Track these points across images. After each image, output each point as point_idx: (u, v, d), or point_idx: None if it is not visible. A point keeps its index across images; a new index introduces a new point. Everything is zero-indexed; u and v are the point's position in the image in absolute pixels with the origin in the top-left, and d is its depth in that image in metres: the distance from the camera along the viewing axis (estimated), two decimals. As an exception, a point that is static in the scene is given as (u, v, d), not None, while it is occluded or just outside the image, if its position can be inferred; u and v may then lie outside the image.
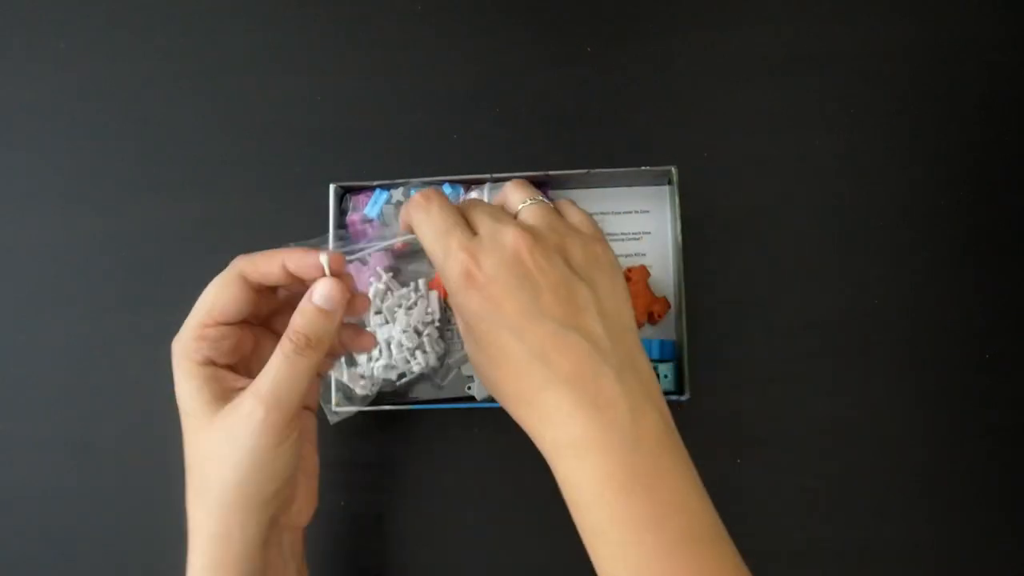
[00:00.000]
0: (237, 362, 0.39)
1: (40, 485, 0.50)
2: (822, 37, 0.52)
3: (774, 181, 0.51)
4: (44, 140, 0.53)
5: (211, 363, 0.37)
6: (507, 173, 0.47)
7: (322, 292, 0.36)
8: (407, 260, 0.49)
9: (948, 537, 0.48)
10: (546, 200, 0.39)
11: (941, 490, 0.48)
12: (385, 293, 0.47)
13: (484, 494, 0.49)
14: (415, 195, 0.38)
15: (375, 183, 0.48)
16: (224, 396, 0.37)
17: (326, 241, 0.48)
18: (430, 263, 0.47)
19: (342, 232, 0.48)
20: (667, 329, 0.49)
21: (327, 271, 0.37)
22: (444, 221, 0.37)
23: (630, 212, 0.50)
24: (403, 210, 0.39)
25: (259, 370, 0.37)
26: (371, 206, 0.48)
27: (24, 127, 0.53)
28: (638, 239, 0.50)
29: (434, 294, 0.48)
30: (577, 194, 0.50)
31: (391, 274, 0.48)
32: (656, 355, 0.47)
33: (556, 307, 0.35)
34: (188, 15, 0.54)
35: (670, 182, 0.48)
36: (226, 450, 0.36)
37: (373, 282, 0.47)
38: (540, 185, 0.49)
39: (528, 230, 0.36)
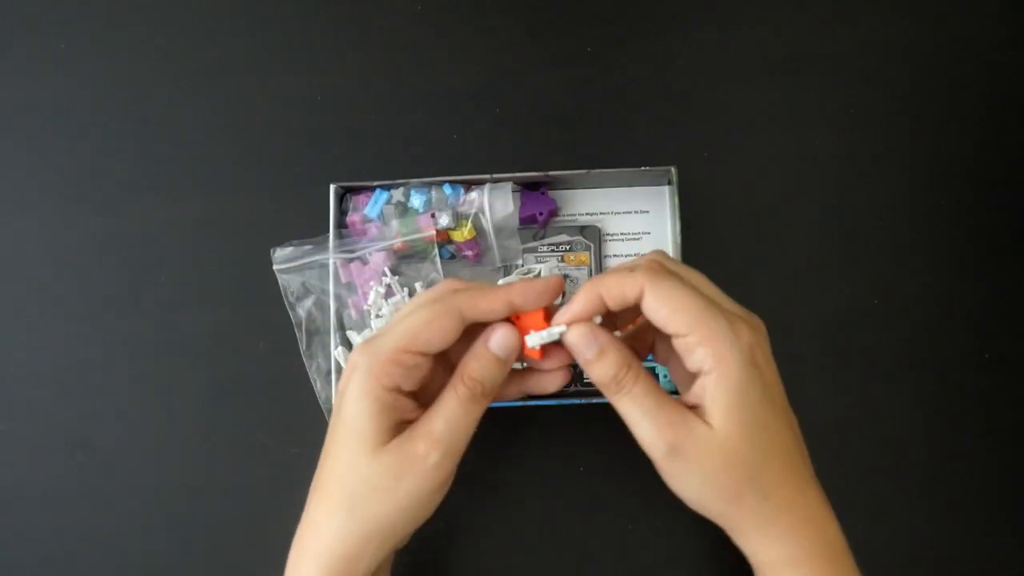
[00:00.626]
0: (418, 390, 0.37)
1: (40, 485, 0.50)
2: (822, 37, 0.52)
3: (774, 181, 0.51)
4: (44, 140, 0.53)
5: (397, 390, 0.35)
6: (507, 173, 0.47)
7: (500, 341, 0.35)
8: (408, 260, 0.49)
9: (948, 537, 0.48)
10: None
11: (941, 490, 0.48)
12: (386, 295, 0.47)
13: (483, 494, 0.49)
14: (648, 261, 0.36)
15: (375, 183, 0.48)
16: (398, 427, 0.35)
17: (327, 240, 0.48)
18: (431, 264, 0.47)
19: (345, 232, 0.48)
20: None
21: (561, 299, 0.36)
22: (704, 296, 0.35)
23: (630, 212, 0.50)
24: (624, 277, 0.35)
25: (431, 397, 0.36)
26: (371, 206, 0.48)
27: (24, 127, 0.53)
28: (638, 239, 0.50)
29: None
30: (577, 194, 0.50)
31: (396, 276, 0.48)
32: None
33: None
34: (188, 15, 0.54)
35: (670, 182, 0.48)
36: (391, 485, 0.34)
37: (374, 285, 0.47)
38: (540, 185, 0.49)
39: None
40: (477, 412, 0.35)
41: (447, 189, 0.47)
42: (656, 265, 0.36)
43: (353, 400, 0.34)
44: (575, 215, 0.50)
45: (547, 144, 0.52)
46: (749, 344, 0.33)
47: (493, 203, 0.47)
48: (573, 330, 0.36)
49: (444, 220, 0.46)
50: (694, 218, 0.49)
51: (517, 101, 0.52)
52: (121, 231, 0.52)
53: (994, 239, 0.50)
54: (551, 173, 0.47)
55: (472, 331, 0.36)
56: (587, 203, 0.50)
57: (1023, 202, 0.51)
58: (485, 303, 0.35)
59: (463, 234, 0.47)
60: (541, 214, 0.49)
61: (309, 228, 0.50)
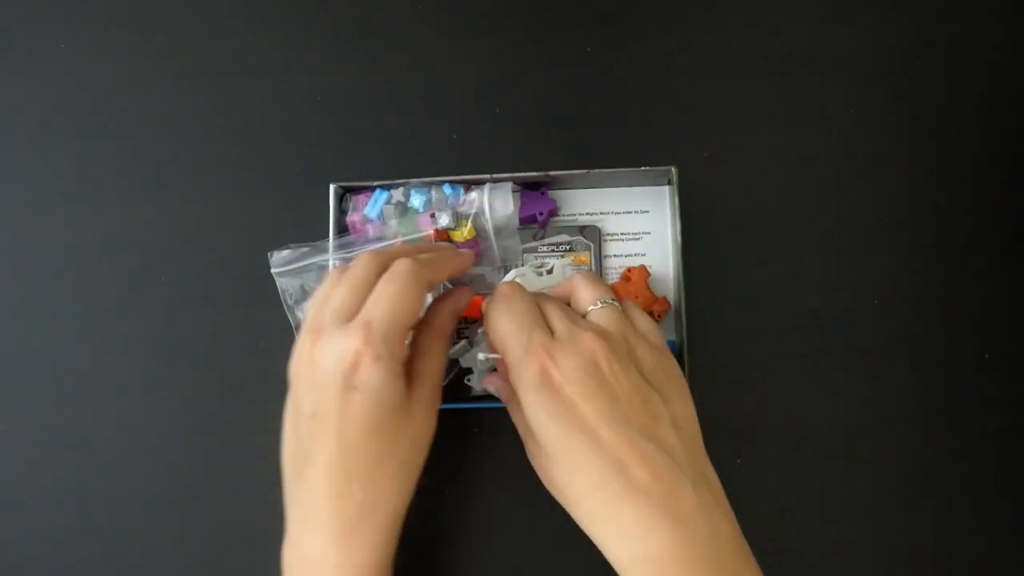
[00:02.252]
0: None
1: (40, 485, 0.50)
2: (822, 37, 0.52)
3: (774, 181, 0.51)
4: (44, 140, 0.53)
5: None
6: (507, 173, 0.47)
7: (464, 297, 0.43)
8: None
9: (948, 537, 0.48)
10: (616, 303, 0.40)
11: (941, 490, 0.48)
12: None
13: (482, 494, 0.49)
14: (502, 287, 0.40)
15: (375, 183, 0.48)
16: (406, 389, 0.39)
17: (324, 243, 0.48)
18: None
19: (344, 233, 0.48)
20: (667, 329, 0.49)
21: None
22: (525, 318, 0.37)
23: (630, 212, 0.50)
24: (487, 301, 0.40)
25: None
26: (371, 206, 0.48)
27: (24, 127, 0.53)
28: (638, 239, 0.50)
29: (428, 295, 0.48)
30: (577, 194, 0.50)
31: None
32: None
33: (633, 415, 0.35)
34: (188, 15, 0.54)
35: (670, 182, 0.48)
36: (426, 432, 0.39)
37: None
38: (540, 185, 0.49)
39: (602, 335, 0.37)
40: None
41: (447, 189, 0.47)
42: (503, 288, 0.40)
43: (386, 386, 0.36)
44: (575, 215, 0.50)
45: (547, 144, 0.52)
46: (538, 368, 0.36)
47: (493, 203, 0.47)
48: (490, 381, 0.44)
49: (444, 220, 0.46)
50: (694, 218, 0.49)
51: (517, 101, 0.52)
52: (121, 231, 0.52)
53: (994, 239, 0.50)
54: (551, 173, 0.47)
55: None
56: (587, 203, 0.50)
57: (1023, 202, 0.51)
58: (441, 276, 0.41)
59: (463, 234, 0.47)
60: (541, 214, 0.49)
61: (309, 228, 0.50)
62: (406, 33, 0.53)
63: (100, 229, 0.52)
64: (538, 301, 0.39)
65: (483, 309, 0.40)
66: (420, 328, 0.41)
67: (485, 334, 0.41)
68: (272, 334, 0.50)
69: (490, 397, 0.47)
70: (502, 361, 0.39)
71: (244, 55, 0.53)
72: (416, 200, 0.47)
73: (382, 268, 0.38)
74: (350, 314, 0.37)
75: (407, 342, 0.40)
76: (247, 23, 0.54)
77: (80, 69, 0.54)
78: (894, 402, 0.49)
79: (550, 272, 0.47)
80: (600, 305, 0.39)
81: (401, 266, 0.38)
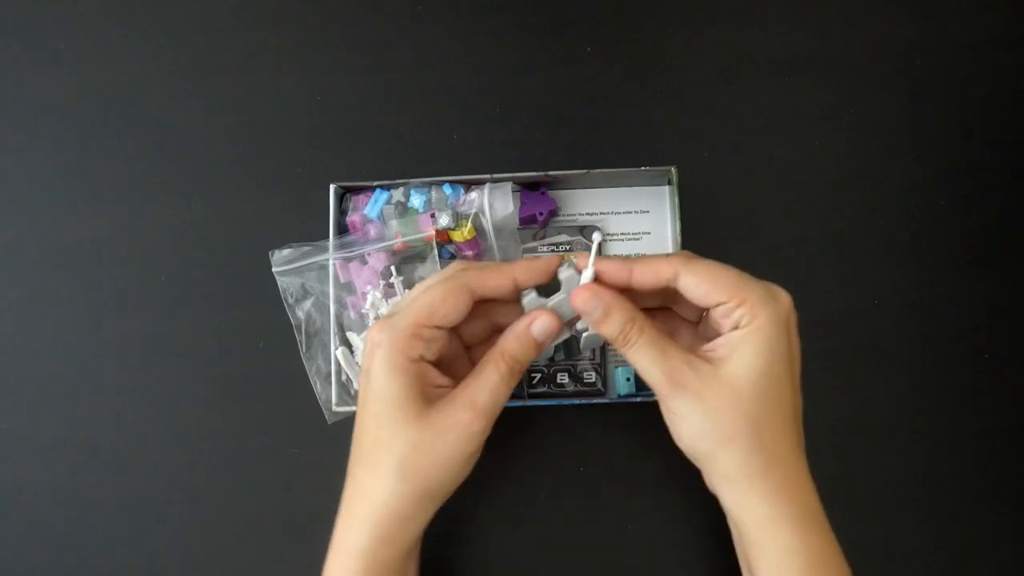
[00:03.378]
0: (438, 361, 0.40)
1: (40, 485, 0.50)
2: (822, 37, 0.52)
3: (774, 181, 0.51)
4: (44, 140, 0.53)
5: (421, 359, 0.38)
6: (507, 173, 0.47)
7: (543, 327, 0.39)
8: (407, 261, 0.49)
9: (948, 537, 0.48)
10: None
11: (941, 490, 0.48)
12: (385, 295, 0.47)
13: (484, 492, 0.49)
14: (682, 251, 0.40)
15: (375, 183, 0.48)
16: (428, 394, 0.38)
17: (325, 242, 0.48)
18: (432, 264, 0.47)
19: (344, 234, 0.48)
20: (667, 329, 0.49)
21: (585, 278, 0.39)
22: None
23: (630, 212, 0.50)
24: (658, 260, 0.38)
25: (455, 369, 0.40)
26: (371, 206, 0.48)
27: (24, 127, 0.53)
28: (638, 239, 0.50)
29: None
30: (577, 194, 0.50)
31: (400, 276, 0.47)
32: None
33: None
34: (188, 15, 0.54)
35: (670, 182, 0.48)
36: (439, 448, 0.37)
37: (371, 288, 0.47)
38: (540, 185, 0.49)
39: None
40: (512, 385, 0.39)
41: (447, 189, 0.47)
42: (689, 253, 0.38)
43: (382, 373, 0.37)
44: (575, 215, 0.50)
45: (547, 144, 0.52)
46: (787, 309, 0.36)
47: (493, 203, 0.47)
48: (579, 292, 0.38)
49: (444, 220, 0.46)
50: (694, 218, 0.49)
51: (517, 101, 0.52)
52: (121, 231, 0.52)
53: (994, 239, 0.50)
54: (551, 173, 0.47)
55: (478, 308, 0.40)
56: (587, 203, 0.50)
57: (1023, 202, 0.51)
58: (493, 280, 0.39)
59: (463, 234, 0.47)
60: (541, 214, 0.49)
61: (309, 228, 0.50)
62: (406, 33, 0.53)
63: (100, 229, 0.52)
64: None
65: (666, 273, 0.38)
66: (490, 349, 0.40)
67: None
68: (272, 334, 0.50)
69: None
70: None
71: (244, 55, 0.53)
72: (416, 200, 0.47)
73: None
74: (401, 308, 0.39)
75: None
76: (247, 23, 0.54)
77: (80, 69, 0.54)
78: (894, 402, 0.49)
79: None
80: None
81: (454, 271, 0.39)
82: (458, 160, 0.52)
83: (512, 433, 0.49)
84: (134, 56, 0.54)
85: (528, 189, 0.49)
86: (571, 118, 0.52)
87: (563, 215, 0.50)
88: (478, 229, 0.47)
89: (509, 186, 0.47)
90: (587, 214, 0.50)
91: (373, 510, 0.38)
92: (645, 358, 0.37)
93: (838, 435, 0.49)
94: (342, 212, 0.48)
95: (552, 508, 0.49)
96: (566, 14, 0.53)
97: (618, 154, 0.51)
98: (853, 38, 0.52)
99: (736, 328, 0.36)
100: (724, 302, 0.36)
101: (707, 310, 0.38)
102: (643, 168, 0.47)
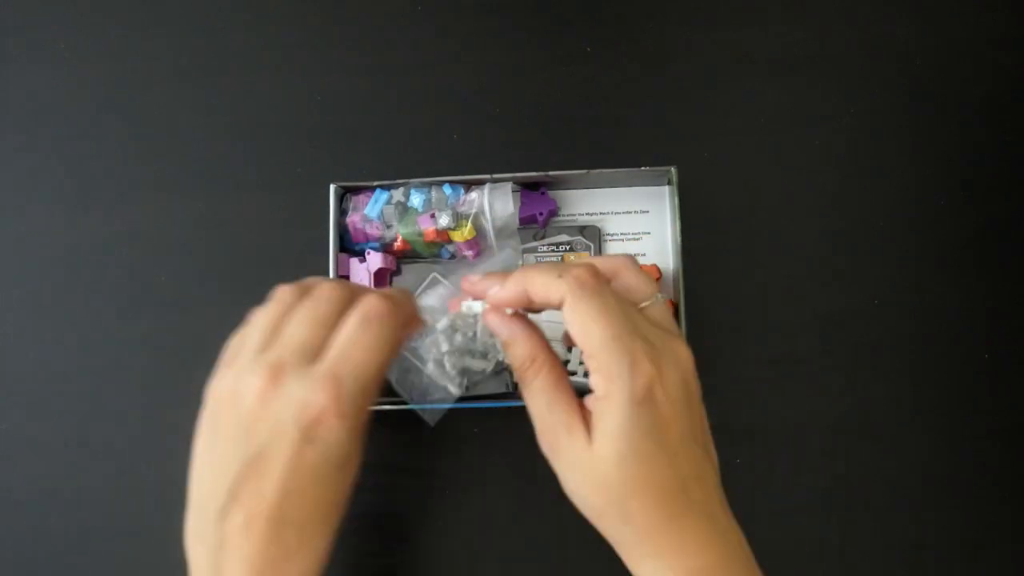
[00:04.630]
0: None
1: (40, 485, 0.50)
2: (822, 37, 0.52)
3: (774, 181, 0.51)
4: (44, 140, 0.53)
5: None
6: (507, 173, 0.47)
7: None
8: (406, 260, 0.49)
9: (948, 537, 0.48)
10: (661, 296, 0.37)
11: (941, 490, 0.48)
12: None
13: (483, 492, 0.49)
14: (578, 270, 0.34)
15: (375, 183, 0.48)
16: None
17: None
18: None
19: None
20: (667, 329, 0.49)
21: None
22: (624, 322, 0.34)
23: (630, 212, 0.50)
24: (551, 280, 0.34)
25: None
26: (371, 206, 0.48)
27: (24, 127, 0.53)
28: (638, 239, 0.50)
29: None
30: (577, 194, 0.50)
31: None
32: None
33: (701, 433, 0.35)
34: (188, 15, 0.54)
35: (670, 182, 0.48)
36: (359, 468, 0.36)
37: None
38: (540, 185, 0.49)
39: (684, 343, 0.35)
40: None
41: (447, 189, 0.47)
42: (585, 277, 0.34)
43: (345, 443, 0.34)
44: (575, 215, 0.50)
45: (547, 144, 0.52)
46: (645, 383, 0.33)
47: (493, 203, 0.47)
48: (488, 314, 0.37)
49: (444, 220, 0.46)
50: (694, 218, 0.49)
51: (517, 101, 0.52)
52: (121, 231, 0.52)
53: (994, 239, 0.50)
54: (551, 173, 0.47)
55: None
56: (587, 203, 0.50)
57: (1023, 202, 0.51)
58: (416, 325, 0.37)
59: (463, 234, 0.47)
60: (541, 214, 0.49)
61: (309, 228, 0.50)
62: (406, 33, 0.53)
63: (100, 229, 0.52)
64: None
65: (556, 299, 0.34)
66: None
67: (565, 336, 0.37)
68: (272, 334, 0.50)
69: (486, 397, 0.47)
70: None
71: (244, 55, 0.53)
72: (416, 200, 0.47)
73: (347, 303, 0.35)
74: (314, 353, 0.34)
75: None
76: (246, 23, 0.54)
77: (80, 69, 0.54)
78: (894, 402, 0.49)
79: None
80: (655, 301, 0.36)
81: (376, 308, 0.34)
82: (458, 160, 0.52)
83: (512, 432, 0.49)
84: (134, 56, 0.54)
85: (528, 189, 0.49)
86: (571, 118, 0.52)
87: (563, 215, 0.50)
88: (478, 229, 0.47)
89: (509, 186, 0.47)
90: (587, 214, 0.50)
91: (313, 562, 0.35)
92: (532, 406, 0.36)
93: (838, 435, 0.49)
94: (342, 212, 0.48)
95: (551, 508, 0.49)
96: (566, 14, 0.53)
97: (618, 154, 0.51)
98: (853, 38, 0.52)
99: (594, 393, 0.34)
100: (587, 356, 0.34)
101: None
102: (643, 168, 0.47)
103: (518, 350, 0.36)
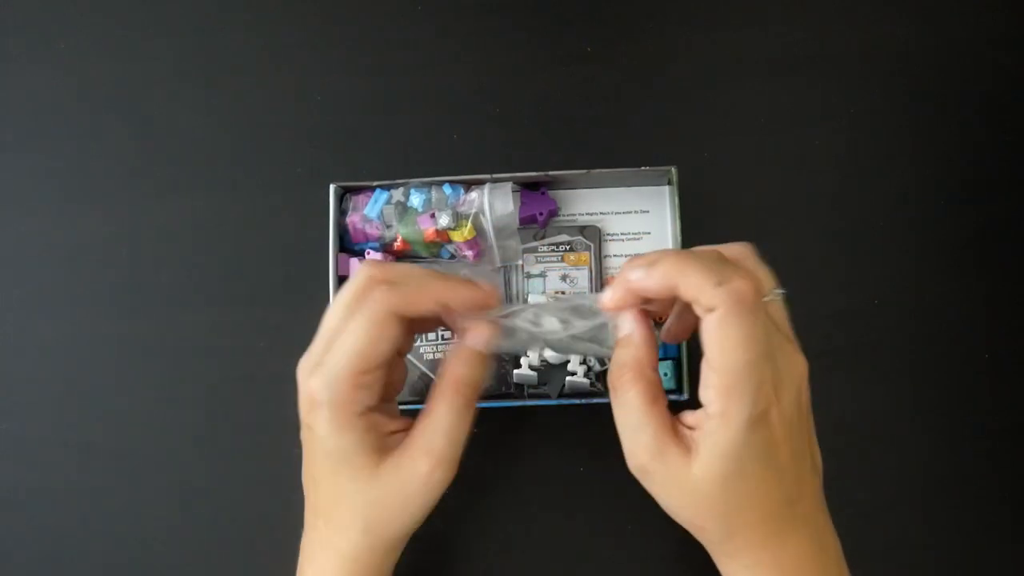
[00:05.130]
0: (384, 395, 0.37)
1: (40, 485, 0.50)
2: (822, 37, 0.52)
3: (774, 181, 0.51)
4: (44, 140, 0.53)
5: (367, 411, 0.35)
6: (507, 173, 0.47)
7: (479, 336, 0.35)
8: (406, 260, 0.49)
9: (948, 537, 0.48)
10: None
11: (941, 490, 0.48)
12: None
13: (484, 493, 0.49)
14: (740, 283, 0.31)
15: (375, 183, 0.48)
16: (383, 444, 0.35)
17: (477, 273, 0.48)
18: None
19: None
20: (667, 329, 0.49)
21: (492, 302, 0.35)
22: (768, 344, 0.32)
23: (630, 212, 0.50)
24: (708, 286, 0.31)
25: (391, 387, 0.37)
26: (371, 206, 0.48)
27: (24, 127, 0.53)
28: (638, 239, 0.50)
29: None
30: (577, 194, 0.50)
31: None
32: (659, 353, 0.47)
33: (809, 444, 0.34)
34: (188, 15, 0.54)
35: (670, 182, 0.48)
36: (401, 503, 0.35)
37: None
38: (540, 185, 0.49)
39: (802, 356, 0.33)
40: (470, 416, 0.35)
41: (447, 189, 0.47)
42: (745, 292, 0.31)
43: (330, 435, 0.34)
44: (575, 215, 0.50)
45: (547, 144, 0.52)
46: (764, 408, 0.32)
47: (493, 203, 0.47)
48: (617, 304, 0.35)
49: (444, 220, 0.46)
50: (694, 218, 0.49)
51: (517, 101, 0.52)
52: (121, 231, 0.52)
53: (994, 239, 0.50)
54: (551, 173, 0.47)
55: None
56: (587, 203, 0.50)
57: (1023, 202, 0.51)
58: (418, 301, 0.34)
59: (463, 234, 0.47)
60: (541, 214, 0.49)
61: (309, 228, 0.50)
62: (406, 33, 0.53)
63: (100, 229, 0.52)
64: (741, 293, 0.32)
65: (706, 305, 0.32)
66: (435, 381, 0.36)
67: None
68: (272, 334, 0.50)
69: (487, 396, 0.47)
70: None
71: (244, 55, 0.53)
72: (416, 200, 0.47)
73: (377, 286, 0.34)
74: (328, 346, 0.34)
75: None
76: (246, 23, 0.54)
77: (80, 69, 0.54)
78: (894, 402, 0.49)
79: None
80: (773, 297, 0.35)
81: (372, 294, 0.33)
82: (458, 160, 0.52)
83: (512, 433, 0.49)
84: (134, 56, 0.54)
85: (528, 189, 0.49)
86: (571, 118, 0.52)
87: (563, 215, 0.50)
88: (478, 229, 0.47)
89: (509, 186, 0.47)
90: (587, 214, 0.50)
91: (340, 563, 0.36)
92: (620, 418, 0.35)
93: (838, 435, 0.49)
94: (342, 212, 0.48)
95: (552, 508, 0.49)
96: (566, 14, 0.53)
97: (618, 154, 0.51)
98: (853, 38, 0.52)
99: (705, 409, 0.33)
100: (711, 369, 0.32)
101: None
102: (643, 168, 0.47)
103: (629, 353, 0.34)
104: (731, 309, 0.31)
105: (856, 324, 0.50)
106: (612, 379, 0.35)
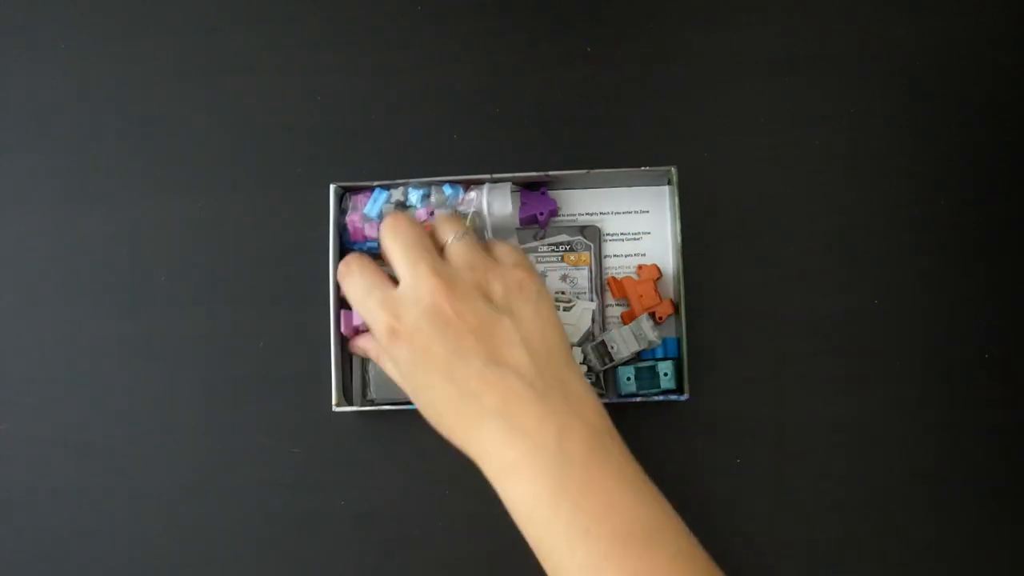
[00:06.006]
0: None
1: (40, 485, 0.50)
2: (822, 37, 0.52)
3: (774, 181, 0.51)
4: (44, 140, 0.53)
5: None
6: (507, 173, 0.47)
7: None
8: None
9: (948, 537, 0.48)
10: (471, 235, 0.43)
11: (941, 490, 0.48)
12: None
13: (483, 493, 0.49)
14: (343, 262, 0.44)
15: (375, 183, 0.48)
16: None
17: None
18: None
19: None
20: (667, 328, 0.49)
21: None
22: (364, 281, 0.42)
23: (630, 212, 0.50)
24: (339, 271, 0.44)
25: None
26: (371, 205, 0.48)
27: (24, 127, 0.53)
28: (638, 239, 0.50)
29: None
30: (577, 194, 0.50)
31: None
32: (660, 353, 0.47)
33: (479, 346, 0.38)
34: (187, 15, 0.54)
35: (670, 182, 0.48)
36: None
37: None
38: (540, 185, 0.49)
39: (445, 276, 0.39)
40: None
41: (447, 189, 0.47)
42: (343, 264, 0.44)
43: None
44: (575, 215, 0.50)
45: (547, 144, 0.52)
46: (385, 328, 0.39)
47: (492, 203, 0.47)
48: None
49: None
50: (694, 218, 0.49)
51: (517, 101, 0.52)
52: (121, 230, 0.52)
53: (995, 239, 0.50)
54: (551, 173, 0.47)
55: None
56: (587, 203, 0.50)
57: (1023, 202, 0.51)
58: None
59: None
60: (541, 214, 0.49)
61: (309, 228, 0.50)
62: (406, 33, 0.53)
63: (100, 229, 0.52)
64: (386, 246, 0.42)
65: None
66: None
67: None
68: (272, 334, 0.50)
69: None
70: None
71: (244, 55, 0.53)
72: (414, 198, 0.47)
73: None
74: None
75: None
76: (246, 23, 0.54)
77: (79, 69, 0.54)
78: (894, 402, 0.49)
79: (567, 310, 0.48)
80: (453, 240, 0.42)
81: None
82: (458, 160, 0.52)
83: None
84: (134, 56, 0.54)
85: (528, 189, 0.49)
86: (571, 118, 0.52)
87: (563, 215, 0.50)
88: (476, 229, 0.47)
89: (508, 186, 0.47)
90: (587, 214, 0.50)
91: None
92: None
93: (838, 435, 0.49)
94: (342, 212, 0.48)
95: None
96: (566, 14, 0.53)
97: (618, 154, 0.51)
98: (853, 38, 0.52)
99: None
100: None
101: None
102: (643, 168, 0.47)
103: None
104: (340, 272, 0.44)
105: (856, 324, 0.50)
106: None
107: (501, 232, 0.47)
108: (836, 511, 0.48)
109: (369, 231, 0.48)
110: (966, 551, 0.48)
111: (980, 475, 0.48)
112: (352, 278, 0.42)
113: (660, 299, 0.48)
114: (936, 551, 0.48)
